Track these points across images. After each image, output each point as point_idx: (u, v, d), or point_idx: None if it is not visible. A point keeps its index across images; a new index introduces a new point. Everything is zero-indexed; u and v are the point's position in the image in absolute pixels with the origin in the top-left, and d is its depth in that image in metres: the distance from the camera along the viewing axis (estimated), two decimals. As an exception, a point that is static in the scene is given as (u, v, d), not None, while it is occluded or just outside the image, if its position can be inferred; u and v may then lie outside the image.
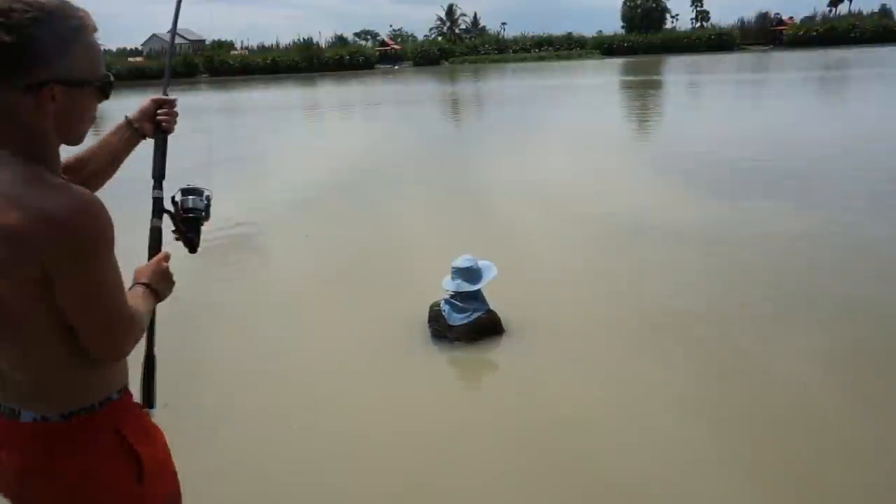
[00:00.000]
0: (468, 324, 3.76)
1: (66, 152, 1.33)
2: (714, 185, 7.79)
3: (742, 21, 65.36)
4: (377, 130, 16.58)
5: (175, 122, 1.69)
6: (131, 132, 1.62)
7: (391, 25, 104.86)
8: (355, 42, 73.75)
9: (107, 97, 1.25)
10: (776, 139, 10.97)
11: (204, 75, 57.50)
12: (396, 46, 69.53)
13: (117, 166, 1.60)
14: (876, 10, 68.79)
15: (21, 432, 1.24)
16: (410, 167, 10.34)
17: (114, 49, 68.50)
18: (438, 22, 77.32)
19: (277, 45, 69.40)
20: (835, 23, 60.64)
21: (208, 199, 1.61)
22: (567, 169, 9.49)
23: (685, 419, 3.01)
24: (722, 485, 2.56)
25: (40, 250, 1.09)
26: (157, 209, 1.58)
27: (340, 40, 70.06)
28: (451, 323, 3.78)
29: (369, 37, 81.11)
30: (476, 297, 3.84)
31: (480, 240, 5.74)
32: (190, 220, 1.61)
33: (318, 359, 3.81)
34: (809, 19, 65.60)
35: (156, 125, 1.65)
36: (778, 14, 65.64)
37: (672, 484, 2.58)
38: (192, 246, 1.60)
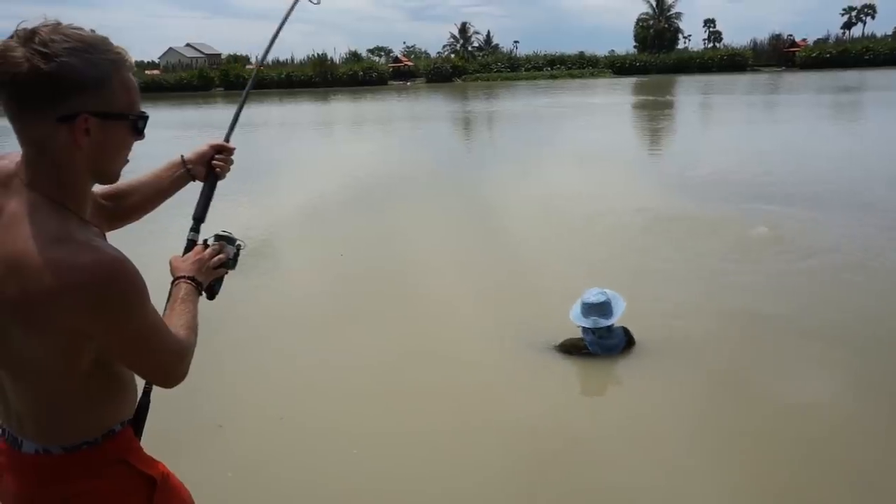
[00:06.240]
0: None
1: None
2: (734, 201, 7.81)
3: (755, 42, 65.61)
4: (399, 146, 16.63)
5: (229, 170, 1.69)
6: (183, 172, 1.61)
7: (405, 42, 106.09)
8: (369, 58, 74.48)
9: (141, 135, 1.24)
10: (794, 159, 10.98)
11: (219, 89, 58.18)
12: (409, 63, 70.07)
13: (160, 203, 1.61)
14: (889, 32, 68.96)
15: (22, 462, 1.26)
16: (438, 186, 10.26)
17: (131, 62, 69.30)
18: (452, 39, 78.17)
19: (292, 59, 70.20)
20: (848, 45, 60.75)
21: (238, 248, 1.59)
22: (594, 186, 9.49)
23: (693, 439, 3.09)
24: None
25: (71, 315, 1.10)
26: (188, 251, 1.56)
27: (354, 56, 70.74)
28: None
29: (383, 53, 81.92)
30: (611, 328, 3.89)
31: (507, 257, 6.00)
32: None
33: (459, 379, 3.81)
34: (823, 41, 65.79)
35: (209, 169, 1.65)
36: (791, 36, 65.89)
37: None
38: (212, 294, 1.56)
